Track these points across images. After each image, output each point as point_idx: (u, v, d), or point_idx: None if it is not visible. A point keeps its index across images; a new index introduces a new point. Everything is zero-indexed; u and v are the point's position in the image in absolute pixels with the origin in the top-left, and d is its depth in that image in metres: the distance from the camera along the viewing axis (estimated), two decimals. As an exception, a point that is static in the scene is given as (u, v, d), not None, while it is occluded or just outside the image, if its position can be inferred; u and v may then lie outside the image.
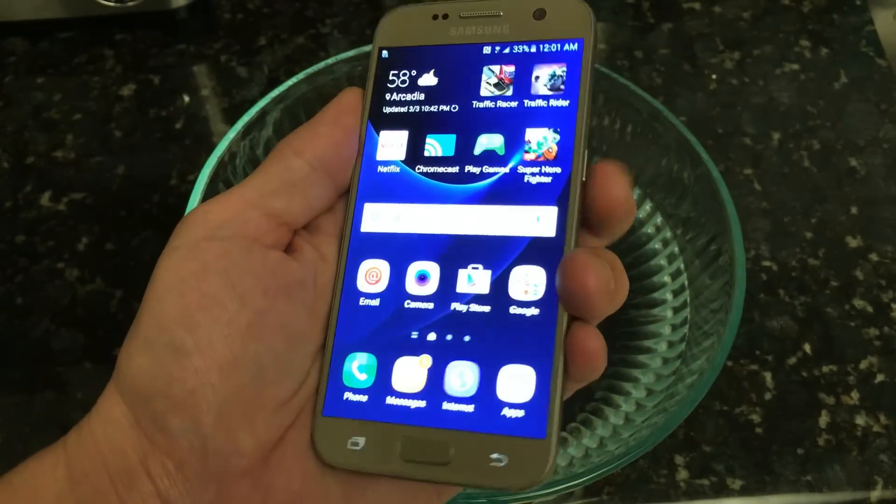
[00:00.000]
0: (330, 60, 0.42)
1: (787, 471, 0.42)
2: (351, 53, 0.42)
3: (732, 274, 0.37)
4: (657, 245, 0.43)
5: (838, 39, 0.58)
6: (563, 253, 0.24)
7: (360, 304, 0.26)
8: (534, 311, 0.24)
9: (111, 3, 0.55)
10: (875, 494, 0.41)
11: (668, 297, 0.42)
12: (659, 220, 0.44)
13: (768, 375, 0.44)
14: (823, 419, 0.43)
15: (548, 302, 0.24)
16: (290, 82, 0.41)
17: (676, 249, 0.43)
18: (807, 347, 0.45)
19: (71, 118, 0.54)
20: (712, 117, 0.54)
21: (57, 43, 0.57)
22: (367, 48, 0.42)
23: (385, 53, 0.27)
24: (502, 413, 0.23)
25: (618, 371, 0.40)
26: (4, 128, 0.53)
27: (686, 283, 0.42)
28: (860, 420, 0.43)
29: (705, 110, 0.54)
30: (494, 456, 0.23)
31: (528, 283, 0.24)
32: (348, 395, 0.25)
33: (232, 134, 0.39)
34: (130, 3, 0.55)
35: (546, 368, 0.23)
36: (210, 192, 0.38)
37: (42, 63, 0.56)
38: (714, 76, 0.56)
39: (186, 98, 0.55)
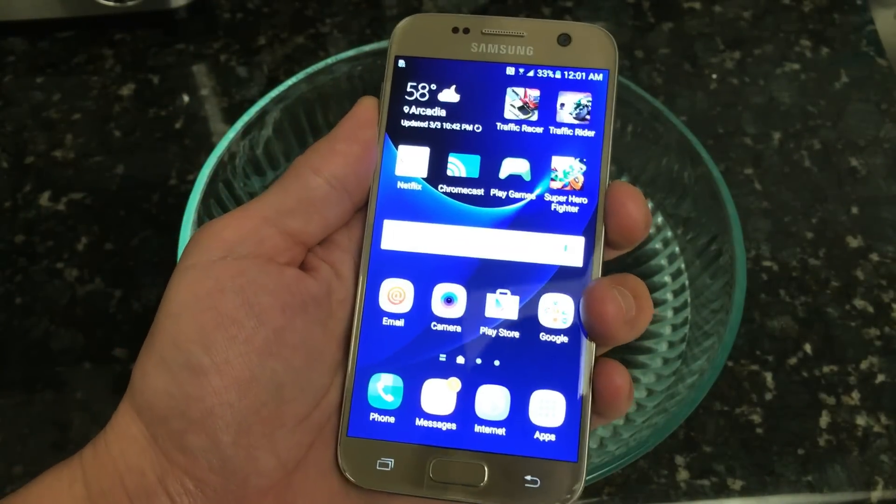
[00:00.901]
0: (329, 60, 0.41)
1: (787, 471, 0.42)
2: (351, 53, 0.42)
3: (733, 274, 0.37)
4: (657, 245, 0.43)
5: (839, 39, 0.58)
6: (583, 285, 0.25)
7: (384, 323, 0.25)
8: (563, 338, 0.25)
9: (110, 3, 0.55)
10: (876, 495, 0.41)
11: (669, 297, 0.42)
12: (659, 220, 0.44)
13: (769, 375, 0.44)
14: (824, 419, 0.43)
15: (576, 329, 0.25)
16: (289, 82, 0.41)
17: (677, 249, 0.43)
18: (807, 347, 0.45)
19: (70, 118, 0.54)
20: (713, 117, 0.54)
21: (56, 43, 0.57)
22: (366, 48, 0.42)
23: (402, 63, 0.27)
24: (535, 437, 0.24)
25: (618, 371, 0.40)
26: (4, 127, 0.53)
27: (686, 283, 0.42)
28: (861, 420, 0.43)
29: (706, 110, 0.54)
30: (528, 478, 0.24)
31: (556, 310, 0.25)
32: (375, 416, 0.25)
33: (231, 134, 0.39)
34: (130, 3, 0.55)
35: (576, 393, 0.24)
36: (210, 192, 0.38)
37: (41, 63, 0.56)
38: (714, 76, 0.56)
39: (186, 98, 0.55)
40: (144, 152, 0.52)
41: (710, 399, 0.44)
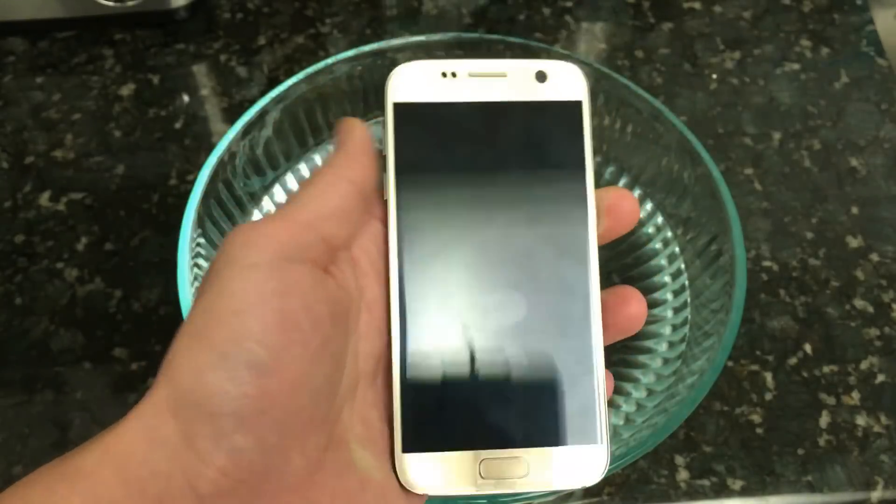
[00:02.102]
0: (329, 60, 0.41)
1: (787, 471, 0.42)
2: (350, 53, 0.42)
3: (733, 274, 0.37)
4: (657, 245, 0.43)
5: (839, 39, 0.58)
6: (589, 287, 0.28)
7: (422, 340, 0.27)
8: (579, 339, 0.28)
9: (111, 3, 0.55)
10: (876, 495, 0.41)
11: (669, 297, 0.42)
12: (659, 220, 0.44)
13: (769, 376, 0.44)
14: (824, 419, 0.43)
15: (587, 330, 0.28)
16: (289, 82, 0.41)
17: (677, 249, 0.43)
18: (807, 347, 0.45)
19: (70, 118, 0.54)
20: (713, 117, 0.54)
21: (56, 43, 0.57)
22: (366, 48, 0.42)
23: (399, 109, 0.28)
24: (566, 428, 0.27)
25: (618, 371, 0.40)
26: (4, 127, 0.53)
27: (686, 283, 0.42)
28: (861, 420, 0.43)
29: (706, 110, 0.54)
30: (563, 464, 0.27)
31: (572, 317, 0.28)
32: (424, 430, 0.27)
33: (231, 134, 0.39)
34: (130, 3, 0.55)
35: (593, 386, 0.28)
36: (210, 192, 0.38)
37: (41, 63, 0.56)
38: (714, 76, 0.56)
39: (186, 98, 0.55)
40: (144, 152, 0.52)
41: (710, 399, 0.44)
